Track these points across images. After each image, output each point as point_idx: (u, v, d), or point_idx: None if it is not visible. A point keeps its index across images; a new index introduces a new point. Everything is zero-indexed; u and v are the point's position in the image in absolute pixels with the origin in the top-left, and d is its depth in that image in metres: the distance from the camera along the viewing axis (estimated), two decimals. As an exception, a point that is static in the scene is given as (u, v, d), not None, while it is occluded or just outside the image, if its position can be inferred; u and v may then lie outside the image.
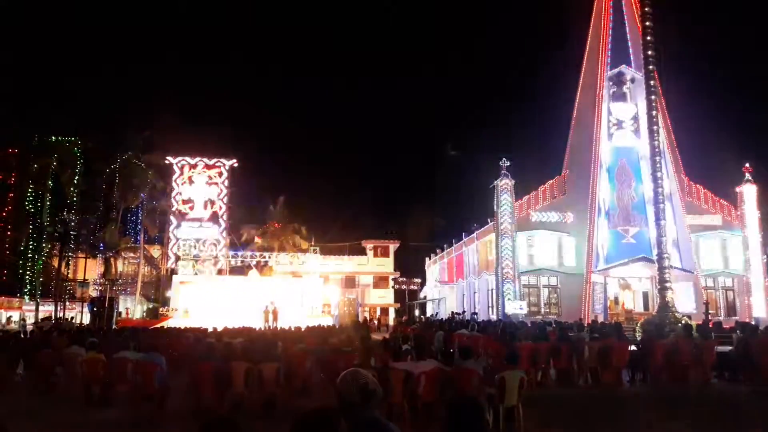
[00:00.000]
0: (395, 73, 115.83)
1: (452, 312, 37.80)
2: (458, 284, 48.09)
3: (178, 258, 46.00)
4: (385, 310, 52.54)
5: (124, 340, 15.68)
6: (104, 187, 51.89)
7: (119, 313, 42.46)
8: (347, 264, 52.37)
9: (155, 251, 54.21)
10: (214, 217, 50.32)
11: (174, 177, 50.44)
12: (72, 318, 43.71)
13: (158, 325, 32.04)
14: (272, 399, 10.47)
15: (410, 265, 63.73)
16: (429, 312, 53.96)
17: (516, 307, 32.74)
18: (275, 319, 34.24)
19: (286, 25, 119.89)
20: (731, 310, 35.93)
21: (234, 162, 51.57)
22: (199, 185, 50.80)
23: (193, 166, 50.92)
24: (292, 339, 16.13)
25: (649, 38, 22.65)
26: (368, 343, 11.58)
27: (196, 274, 44.12)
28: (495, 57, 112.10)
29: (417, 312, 58.04)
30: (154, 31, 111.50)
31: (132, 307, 47.40)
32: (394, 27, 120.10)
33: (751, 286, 35.16)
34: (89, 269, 52.81)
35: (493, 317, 33.56)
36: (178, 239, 48.84)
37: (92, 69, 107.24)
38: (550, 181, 36.98)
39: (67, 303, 50.14)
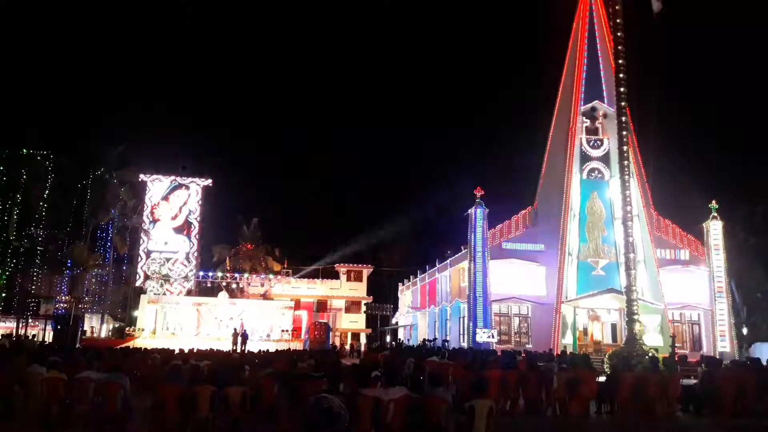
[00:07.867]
0: (373, 103, 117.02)
1: (424, 339, 37.70)
2: (431, 311, 48.03)
3: (147, 277, 45.29)
4: (356, 336, 52.16)
5: (87, 360, 15.30)
6: (75, 202, 51.07)
7: (84, 332, 41.46)
8: (320, 288, 51.99)
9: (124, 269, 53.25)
10: (186, 237, 49.74)
11: (147, 194, 49.86)
12: (34, 336, 42.53)
13: (124, 345, 31.38)
14: (238, 424, 10.29)
15: (383, 291, 63.61)
16: (401, 338, 53.73)
17: (487, 336, 32.88)
18: (244, 342, 33.86)
19: (265, 49, 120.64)
20: (697, 343, 36.47)
21: (208, 181, 51.21)
22: (172, 204, 50.25)
23: (167, 184, 50.44)
24: (260, 363, 15.93)
25: (621, 75, 23.19)
26: (338, 369, 11.49)
27: (164, 293, 43.47)
28: (472, 87, 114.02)
29: (389, 338, 57.74)
30: (130, 49, 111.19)
31: (97, 326, 46.35)
32: (370, 64, 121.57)
33: (716, 320, 35.82)
34: (55, 285, 51.63)
35: (464, 345, 33.56)
36: (147, 258, 48.10)
37: (68, 83, 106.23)
38: (523, 211, 37.41)
39: (30, 320, 48.85)
